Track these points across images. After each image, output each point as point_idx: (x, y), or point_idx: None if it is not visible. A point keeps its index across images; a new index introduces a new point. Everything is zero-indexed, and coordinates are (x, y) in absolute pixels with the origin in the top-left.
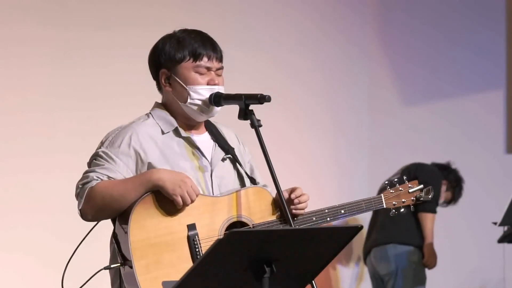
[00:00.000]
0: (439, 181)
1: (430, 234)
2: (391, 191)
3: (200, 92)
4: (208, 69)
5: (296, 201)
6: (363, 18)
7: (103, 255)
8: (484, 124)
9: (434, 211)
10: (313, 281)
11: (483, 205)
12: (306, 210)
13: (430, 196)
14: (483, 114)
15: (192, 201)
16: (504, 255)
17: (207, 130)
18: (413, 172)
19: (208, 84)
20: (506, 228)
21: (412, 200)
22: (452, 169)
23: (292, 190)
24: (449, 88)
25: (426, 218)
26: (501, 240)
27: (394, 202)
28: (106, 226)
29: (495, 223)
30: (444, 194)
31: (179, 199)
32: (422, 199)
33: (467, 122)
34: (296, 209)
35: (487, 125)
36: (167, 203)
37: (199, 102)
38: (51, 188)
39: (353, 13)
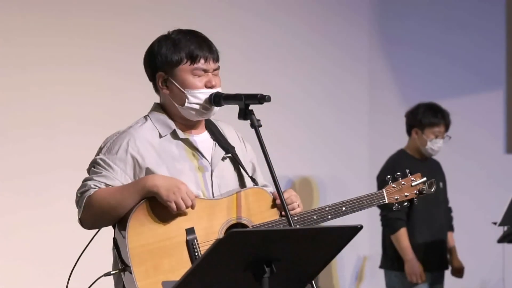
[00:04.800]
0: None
1: (404, 253)
2: (393, 185)
3: (198, 96)
4: (205, 70)
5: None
6: (363, 17)
7: (107, 260)
8: (484, 124)
9: (395, 230)
10: (313, 281)
11: (483, 205)
12: (306, 209)
13: (433, 190)
14: (483, 114)
15: (187, 207)
16: (504, 255)
17: (206, 129)
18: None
19: (205, 86)
20: (506, 228)
21: (415, 193)
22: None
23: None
24: (449, 88)
25: (394, 240)
26: (501, 240)
27: (396, 197)
28: (110, 232)
29: (495, 223)
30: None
31: (173, 205)
32: (425, 192)
33: (467, 122)
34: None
35: (487, 125)
36: (165, 208)
37: (197, 107)
38: (55, 193)
39: (353, 12)
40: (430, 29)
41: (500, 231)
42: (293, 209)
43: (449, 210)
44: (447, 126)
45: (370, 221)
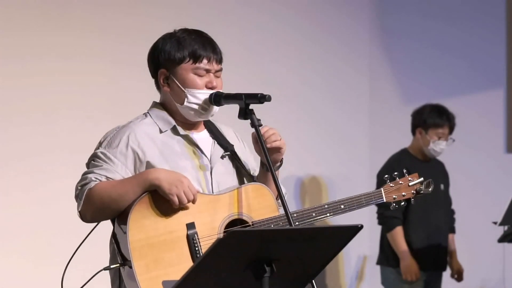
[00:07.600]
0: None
1: (399, 251)
2: (391, 185)
3: (198, 96)
4: (207, 71)
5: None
6: (364, 11)
7: (103, 255)
8: (484, 124)
9: (390, 228)
10: (313, 281)
11: (483, 205)
12: (306, 206)
13: (430, 189)
14: (483, 114)
15: (189, 201)
16: (504, 255)
17: (206, 128)
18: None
19: (206, 86)
20: (506, 228)
21: (413, 193)
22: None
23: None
24: (449, 88)
25: (390, 238)
26: (501, 240)
27: (394, 196)
28: (106, 226)
29: (495, 223)
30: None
31: (175, 199)
32: (422, 192)
33: (467, 122)
34: (271, 146)
35: (487, 125)
36: (166, 202)
37: (196, 107)
38: (52, 188)
39: (354, 6)
40: (430, 23)
41: (500, 231)
42: (273, 142)
43: (452, 212)
44: (451, 129)
45: (370, 220)
